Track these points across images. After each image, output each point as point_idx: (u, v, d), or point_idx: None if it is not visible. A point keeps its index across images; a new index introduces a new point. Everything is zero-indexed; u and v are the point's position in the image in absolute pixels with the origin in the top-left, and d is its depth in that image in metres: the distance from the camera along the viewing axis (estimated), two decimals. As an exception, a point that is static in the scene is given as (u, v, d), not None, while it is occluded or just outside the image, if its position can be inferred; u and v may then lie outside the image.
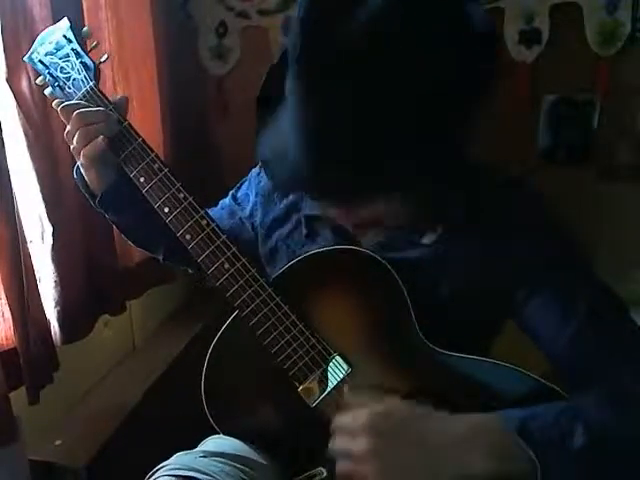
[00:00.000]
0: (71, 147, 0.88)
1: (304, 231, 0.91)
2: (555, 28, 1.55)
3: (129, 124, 0.88)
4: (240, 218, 1.02)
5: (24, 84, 1.13)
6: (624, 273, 1.48)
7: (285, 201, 0.94)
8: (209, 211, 1.05)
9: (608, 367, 0.74)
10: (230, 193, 1.07)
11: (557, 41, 1.56)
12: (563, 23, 1.55)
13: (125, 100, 0.92)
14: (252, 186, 1.01)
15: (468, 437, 0.67)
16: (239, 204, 1.03)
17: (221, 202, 1.07)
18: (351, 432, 0.69)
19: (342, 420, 0.71)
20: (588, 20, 1.53)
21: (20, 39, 1.11)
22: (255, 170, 1.02)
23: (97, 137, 0.85)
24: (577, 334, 0.75)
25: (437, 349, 0.78)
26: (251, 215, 1.00)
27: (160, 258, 1.06)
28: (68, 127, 0.87)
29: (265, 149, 0.78)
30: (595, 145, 1.61)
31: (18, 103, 1.13)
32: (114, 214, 0.97)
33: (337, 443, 0.70)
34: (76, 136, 0.86)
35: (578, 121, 1.61)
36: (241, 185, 1.05)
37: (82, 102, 0.87)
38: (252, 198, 1.00)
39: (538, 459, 0.65)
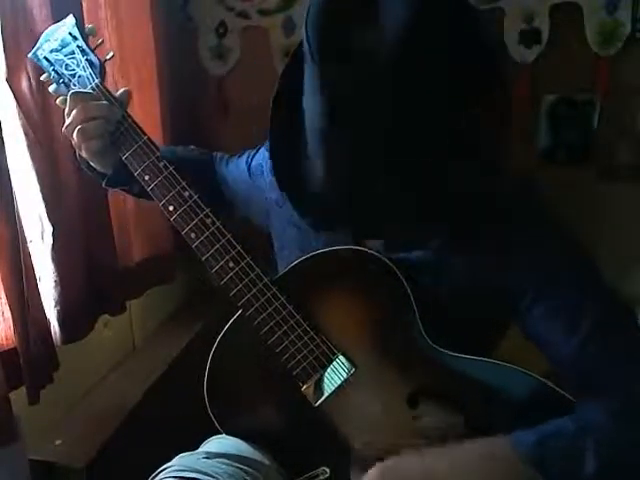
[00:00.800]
0: (73, 141, 0.87)
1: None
2: (555, 28, 1.55)
3: (134, 122, 0.87)
4: (250, 188, 1.02)
5: (24, 84, 1.13)
6: (624, 273, 1.48)
7: None
8: (230, 159, 1.06)
9: (617, 374, 0.73)
10: (245, 158, 1.05)
11: (557, 41, 1.56)
12: (563, 23, 1.55)
13: (127, 94, 0.91)
14: (265, 163, 0.99)
15: (480, 468, 0.68)
16: (251, 174, 1.02)
17: (237, 160, 1.06)
18: None
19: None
20: (588, 20, 1.53)
21: (20, 39, 1.10)
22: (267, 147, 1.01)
23: (99, 133, 0.84)
24: (585, 340, 0.74)
25: (440, 349, 0.78)
26: (269, 190, 0.98)
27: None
28: (69, 119, 0.85)
29: (286, 179, 0.79)
30: (595, 145, 1.61)
31: (18, 103, 1.12)
32: (123, 188, 0.97)
33: None
34: (76, 131, 0.84)
35: (578, 121, 1.61)
36: (255, 154, 1.04)
37: (91, 92, 0.86)
38: (268, 175, 0.98)
39: None
